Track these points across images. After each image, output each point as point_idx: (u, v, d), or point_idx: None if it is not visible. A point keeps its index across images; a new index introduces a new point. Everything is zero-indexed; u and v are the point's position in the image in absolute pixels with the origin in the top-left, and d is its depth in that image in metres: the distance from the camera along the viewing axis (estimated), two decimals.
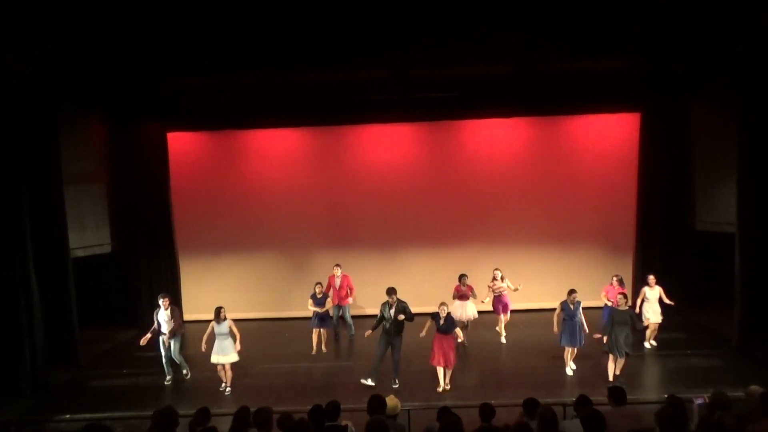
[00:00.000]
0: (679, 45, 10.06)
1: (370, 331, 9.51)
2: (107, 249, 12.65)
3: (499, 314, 11.58)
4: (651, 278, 10.91)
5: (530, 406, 5.72)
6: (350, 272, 12.82)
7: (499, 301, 11.50)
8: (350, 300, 12.11)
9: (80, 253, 11.44)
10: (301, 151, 13.56)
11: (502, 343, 11.47)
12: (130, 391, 9.54)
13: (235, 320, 9.71)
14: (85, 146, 12.06)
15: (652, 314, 10.74)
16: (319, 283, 11.34)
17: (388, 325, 9.34)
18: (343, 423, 5.61)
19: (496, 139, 13.43)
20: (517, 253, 13.35)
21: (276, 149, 13.53)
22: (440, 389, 9.09)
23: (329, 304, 11.51)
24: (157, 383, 9.82)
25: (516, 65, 11.23)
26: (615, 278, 10.82)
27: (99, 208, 12.50)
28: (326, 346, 11.32)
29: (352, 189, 13.49)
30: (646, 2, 8.49)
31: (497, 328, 11.74)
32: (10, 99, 9.24)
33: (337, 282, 11.91)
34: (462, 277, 11.22)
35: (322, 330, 11.25)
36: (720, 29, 9.24)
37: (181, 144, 13.39)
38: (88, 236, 12.00)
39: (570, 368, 9.74)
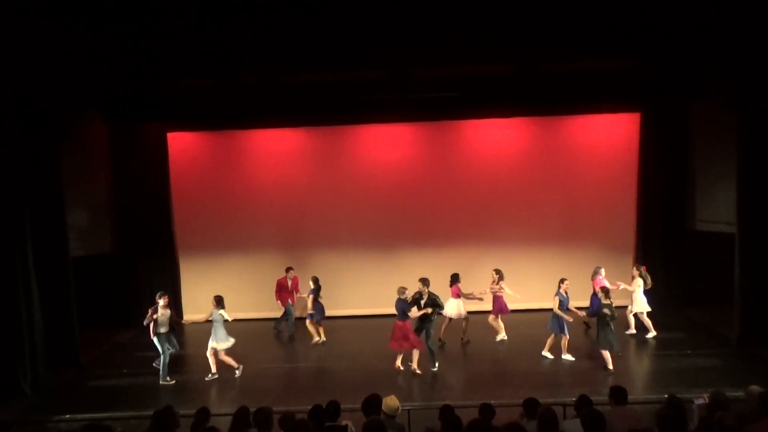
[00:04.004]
0: (679, 45, 10.07)
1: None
2: (107, 249, 12.64)
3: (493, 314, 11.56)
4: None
5: (530, 406, 5.73)
6: (350, 272, 12.91)
7: (496, 301, 11.46)
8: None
9: (80, 253, 11.42)
10: (301, 151, 13.55)
11: (504, 341, 11.48)
12: (130, 391, 9.54)
13: (235, 320, 10.04)
14: (85, 146, 12.05)
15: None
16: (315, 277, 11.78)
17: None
18: (343, 423, 5.61)
19: (496, 139, 13.42)
20: (517, 253, 13.34)
21: (276, 149, 13.53)
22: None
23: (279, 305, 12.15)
24: (157, 383, 9.81)
25: (516, 65, 11.24)
26: (601, 270, 11.40)
27: (99, 208, 12.49)
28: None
29: (351, 189, 13.48)
30: (646, 2, 8.50)
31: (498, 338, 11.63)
32: (10, 99, 9.22)
33: (290, 284, 12.16)
34: (458, 277, 11.33)
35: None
36: (720, 29, 9.25)
37: (181, 144, 13.39)
38: (88, 236, 11.98)
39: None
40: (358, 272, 13.20)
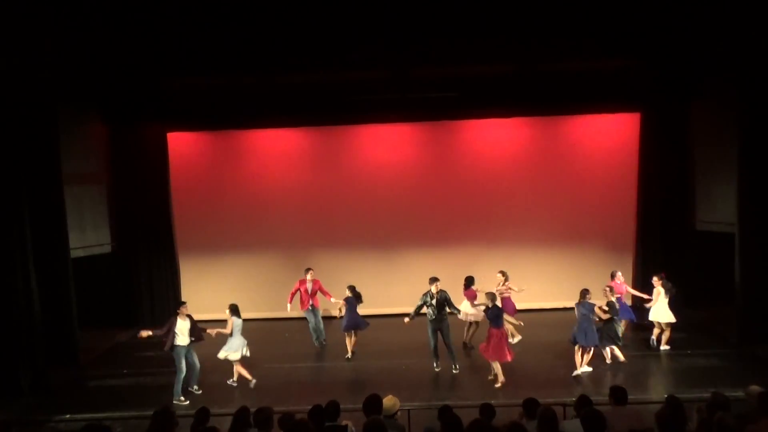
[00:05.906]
0: (679, 45, 10.07)
1: (408, 319, 9.67)
2: (107, 249, 12.64)
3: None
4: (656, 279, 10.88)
5: (530, 406, 5.73)
6: (350, 272, 12.82)
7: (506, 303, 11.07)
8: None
9: (80, 253, 11.42)
10: (300, 151, 13.55)
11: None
12: (130, 391, 9.54)
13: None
14: (85, 146, 12.05)
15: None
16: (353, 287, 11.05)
17: (433, 315, 9.56)
18: (343, 423, 5.61)
19: (496, 139, 13.42)
20: (517, 254, 13.32)
21: (276, 149, 13.53)
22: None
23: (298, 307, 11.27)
24: (157, 383, 9.81)
25: (516, 65, 11.24)
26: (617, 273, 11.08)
27: (99, 208, 12.50)
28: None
29: (351, 189, 13.48)
30: (646, 2, 8.51)
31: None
32: (10, 99, 9.23)
33: (309, 286, 11.43)
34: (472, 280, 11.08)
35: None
36: (720, 29, 9.25)
37: (181, 144, 13.38)
38: (88, 236, 11.99)
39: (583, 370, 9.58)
40: (358, 272, 13.17)
